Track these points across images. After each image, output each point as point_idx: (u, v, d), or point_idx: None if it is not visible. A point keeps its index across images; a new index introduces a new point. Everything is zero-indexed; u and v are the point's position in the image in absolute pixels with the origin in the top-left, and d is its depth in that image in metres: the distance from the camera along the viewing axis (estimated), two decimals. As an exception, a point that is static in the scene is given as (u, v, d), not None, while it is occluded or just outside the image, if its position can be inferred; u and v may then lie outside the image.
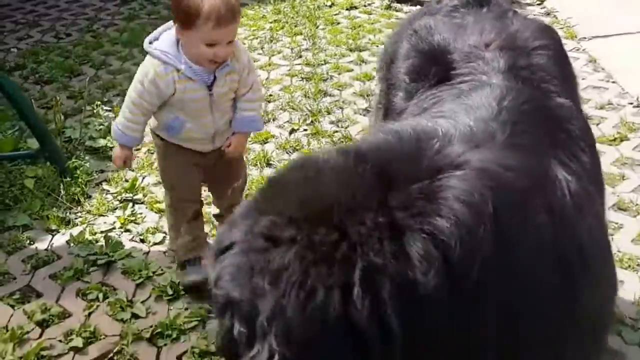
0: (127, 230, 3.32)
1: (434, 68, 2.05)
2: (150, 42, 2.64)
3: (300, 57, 5.18)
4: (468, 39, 2.10)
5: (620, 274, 2.80)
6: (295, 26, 5.77)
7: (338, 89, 4.62)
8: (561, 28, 5.27)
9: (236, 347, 1.27)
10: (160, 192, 3.57)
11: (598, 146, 3.61)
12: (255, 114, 2.77)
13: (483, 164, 1.41)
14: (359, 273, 1.21)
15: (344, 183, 1.34)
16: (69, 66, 5.20)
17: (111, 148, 3.99)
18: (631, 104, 4.17)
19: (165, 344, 2.65)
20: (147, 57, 2.64)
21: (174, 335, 2.68)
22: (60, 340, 2.67)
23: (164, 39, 2.63)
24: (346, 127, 4.11)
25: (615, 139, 3.81)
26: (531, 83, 1.91)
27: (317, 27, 5.72)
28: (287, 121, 4.24)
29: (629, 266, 2.87)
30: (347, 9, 6.16)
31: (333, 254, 1.22)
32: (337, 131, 4.07)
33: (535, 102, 1.81)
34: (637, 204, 3.24)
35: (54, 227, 3.35)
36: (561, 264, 1.45)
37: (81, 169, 3.71)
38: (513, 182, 1.42)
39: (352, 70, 4.91)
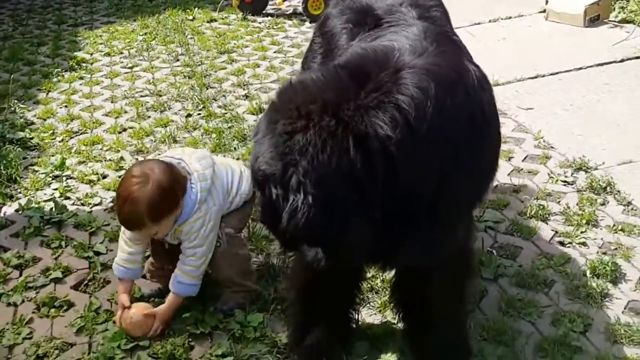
0: (67, 198, 3.90)
1: (368, 18, 2.82)
2: None
3: (178, 60, 5.93)
4: (385, 1, 2.90)
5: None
6: (167, 36, 6.50)
7: (218, 82, 5.44)
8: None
9: (276, 210, 2.04)
10: (87, 169, 4.18)
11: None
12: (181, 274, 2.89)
13: (426, 65, 2.20)
14: (352, 139, 2.02)
15: (330, 86, 2.12)
16: (-44, 80, 5.56)
17: (30, 139, 4.53)
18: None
19: (131, 268, 3.31)
20: None
21: (137, 262, 3.34)
22: (39, 276, 3.25)
23: None
24: (232, 110, 4.93)
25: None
26: (437, 25, 2.81)
27: (187, 37, 6.49)
28: (181, 109, 4.99)
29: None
30: (208, 22, 6.98)
31: (336, 131, 2.02)
32: (226, 112, 4.88)
33: (444, 33, 2.72)
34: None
35: (-1, 201, 3.86)
36: (473, 121, 2.31)
37: (11, 154, 4.21)
38: (444, 74, 2.22)
39: (226, 68, 5.74)
